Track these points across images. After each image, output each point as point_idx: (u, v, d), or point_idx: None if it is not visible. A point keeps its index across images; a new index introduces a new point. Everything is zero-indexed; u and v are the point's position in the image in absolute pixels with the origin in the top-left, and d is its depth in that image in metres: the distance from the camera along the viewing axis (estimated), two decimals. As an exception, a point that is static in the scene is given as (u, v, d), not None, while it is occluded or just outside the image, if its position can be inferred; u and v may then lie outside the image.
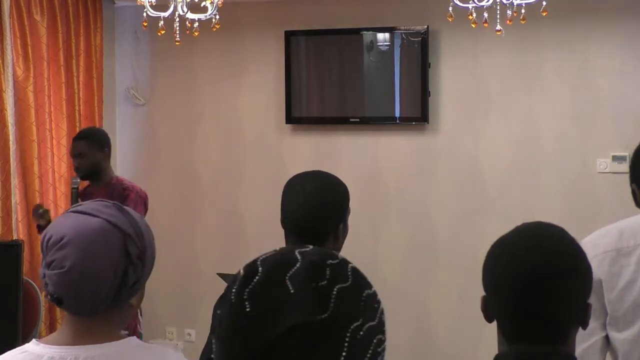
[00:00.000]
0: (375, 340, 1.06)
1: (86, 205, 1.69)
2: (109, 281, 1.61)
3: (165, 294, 5.83)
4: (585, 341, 2.26)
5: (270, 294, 1.05)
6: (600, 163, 5.22)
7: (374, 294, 1.10)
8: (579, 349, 2.26)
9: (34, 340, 1.66)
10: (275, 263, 1.09)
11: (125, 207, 1.70)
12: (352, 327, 1.04)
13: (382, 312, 1.09)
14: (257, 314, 1.05)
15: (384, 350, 1.09)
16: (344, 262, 1.10)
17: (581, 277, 1.54)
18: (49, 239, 1.64)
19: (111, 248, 1.61)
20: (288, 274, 1.06)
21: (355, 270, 1.10)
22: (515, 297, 1.51)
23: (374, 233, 5.64)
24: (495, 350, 1.59)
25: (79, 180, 4.53)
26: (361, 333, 1.04)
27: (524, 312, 1.51)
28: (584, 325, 1.56)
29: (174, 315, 5.99)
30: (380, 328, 1.08)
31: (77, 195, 4.51)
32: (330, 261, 1.08)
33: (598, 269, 2.22)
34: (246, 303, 1.06)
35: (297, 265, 1.06)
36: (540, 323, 1.51)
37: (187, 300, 5.94)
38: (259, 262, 1.10)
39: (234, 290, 1.08)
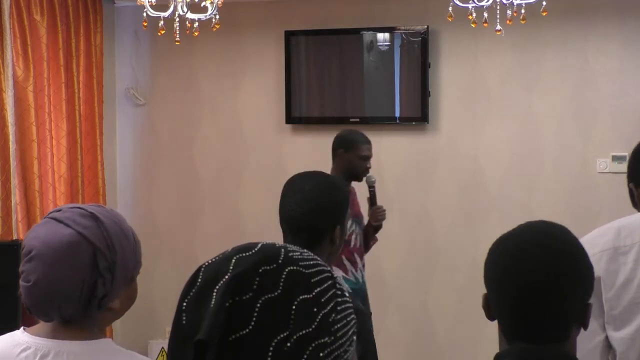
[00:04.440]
0: (311, 348, 1.03)
1: (64, 212, 1.70)
2: (76, 295, 1.62)
3: (165, 294, 5.82)
4: (588, 343, 2.26)
5: (199, 307, 1.04)
6: (600, 163, 5.23)
7: (314, 298, 1.05)
8: (582, 351, 2.26)
9: (22, 328, 1.70)
10: (210, 273, 1.07)
11: (100, 217, 1.67)
12: (276, 339, 1.01)
13: (324, 315, 1.05)
14: (187, 328, 1.04)
15: (333, 352, 1.05)
16: (282, 266, 1.06)
17: (583, 277, 1.53)
18: (23, 247, 1.67)
19: (79, 262, 1.62)
20: (217, 286, 1.04)
21: (292, 275, 1.06)
22: (517, 295, 1.51)
23: (374, 233, 5.63)
24: (494, 350, 1.59)
25: (375, 179, 4.51)
26: (288, 344, 1.01)
27: (526, 311, 1.51)
28: (585, 326, 1.55)
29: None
30: (319, 333, 1.04)
31: (375, 194, 4.51)
32: (265, 267, 1.05)
33: (596, 267, 2.22)
34: (183, 315, 1.06)
35: (226, 276, 1.04)
36: (542, 322, 1.51)
37: (187, 300, 5.93)
38: (202, 270, 1.09)
39: (180, 298, 1.08)
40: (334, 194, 2.36)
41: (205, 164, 5.99)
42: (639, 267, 2.24)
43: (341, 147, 4.42)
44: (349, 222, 4.32)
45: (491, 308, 1.56)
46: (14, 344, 1.67)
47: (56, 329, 1.67)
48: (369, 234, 4.50)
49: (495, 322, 1.59)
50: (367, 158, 4.42)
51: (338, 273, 4.29)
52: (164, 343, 5.99)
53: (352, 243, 4.36)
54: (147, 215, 5.87)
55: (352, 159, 4.39)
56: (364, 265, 4.46)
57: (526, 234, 1.56)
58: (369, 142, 4.44)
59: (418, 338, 5.60)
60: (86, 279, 1.62)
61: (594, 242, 2.29)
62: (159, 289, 5.70)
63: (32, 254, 1.64)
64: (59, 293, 1.62)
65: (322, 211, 2.31)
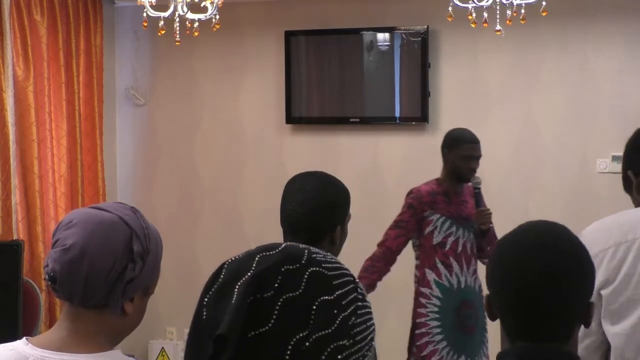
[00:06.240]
0: (329, 349, 1.04)
1: (105, 203, 1.74)
2: (106, 270, 1.61)
3: (165, 294, 5.82)
4: (585, 339, 2.27)
5: (220, 303, 1.05)
6: (600, 163, 5.23)
7: (335, 300, 1.06)
8: (579, 347, 2.26)
9: (24, 338, 1.65)
10: (233, 270, 1.08)
11: (140, 212, 1.73)
12: (295, 338, 1.02)
13: (344, 318, 1.06)
14: (207, 323, 1.05)
15: (351, 355, 1.06)
16: (304, 267, 1.07)
17: (585, 276, 1.54)
18: (61, 222, 1.68)
19: (116, 240, 1.63)
20: (238, 284, 1.05)
21: (315, 276, 1.06)
22: (519, 295, 1.51)
23: (374, 233, 5.63)
24: (494, 350, 1.59)
25: (480, 181, 4.27)
26: (307, 344, 1.02)
27: (528, 311, 1.51)
28: (587, 324, 1.56)
29: (174, 315, 5.99)
30: (338, 335, 1.05)
31: (480, 196, 4.27)
32: (288, 267, 1.06)
33: (599, 265, 2.22)
34: (203, 310, 1.07)
35: (248, 274, 1.05)
36: (544, 322, 1.51)
37: (187, 300, 5.92)
38: (225, 266, 1.10)
39: (201, 294, 1.10)
40: (334, 193, 2.36)
41: (205, 164, 5.99)
42: (639, 263, 2.24)
43: (445, 147, 4.28)
44: (446, 224, 4.21)
45: (493, 308, 1.57)
46: (19, 357, 1.61)
47: (64, 339, 1.63)
48: (479, 237, 4.27)
49: (496, 323, 1.60)
50: (471, 158, 4.21)
51: (430, 276, 4.23)
52: (164, 343, 6.00)
53: (448, 246, 4.19)
54: (147, 215, 5.80)
55: (454, 159, 4.22)
56: (473, 271, 4.25)
57: (527, 235, 1.57)
58: (474, 141, 4.23)
59: (418, 338, 5.59)
60: (120, 258, 1.62)
61: (595, 237, 2.29)
62: (159, 289, 5.66)
63: (72, 223, 1.65)
64: (91, 262, 1.61)
65: (323, 211, 2.31)
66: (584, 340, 2.27)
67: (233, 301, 1.03)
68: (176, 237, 5.93)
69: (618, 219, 2.33)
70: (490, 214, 4.30)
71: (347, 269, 1.12)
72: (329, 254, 1.13)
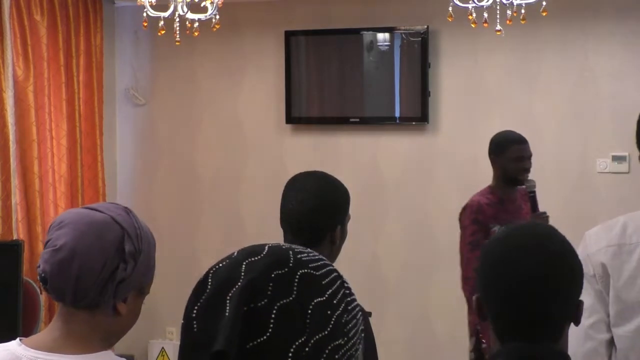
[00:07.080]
0: (328, 350, 1.04)
1: (98, 204, 1.74)
2: (97, 270, 1.61)
3: (165, 294, 5.82)
4: (592, 339, 2.26)
5: (212, 315, 1.04)
6: (600, 163, 5.22)
7: (327, 301, 1.06)
8: (585, 347, 2.25)
9: (18, 339, 1.65)
10: (221, 279, 1.06)
11: (132, 212, 1.71)
12: (295, 344, 1.02)
13: (338, 317, 1.06)
14: (200, 336, 1.04)
15: (347, 352, 1.06)
16: (293, 270, 1.06)
17: (573, 277, 1.55)
18: (53, 222, 1.68)
19: (107, 240, 1.63)
20: (230, 293, 1.04)
21: (305, 278, 1.06)
22: (508, 297, 1.52)
23: (374, 233, 5.64)
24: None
25: (534, 184, 4.19)
26: (307, 349, 1.02)
27: (516, 312, 1.52)
28: (576, 322, 1.57)
29: (174, 315, 5.98)
30: (334, 335, 1.05)
31: (535, 200, 4.16)
32: (277, 272, 1.05)
33: (604, 260, 2.22)
34: (194, 322, 1.05)
35: (239, 283, 1.04)
36: (533, 322, 1.52)
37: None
38: (210, 275, 1.08)
39: (189, 304, 1.07)
40: (334, 193, 2.36)
41: (205, 164, 5.99)
42: None
43: (492, 153, 4.22)
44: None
45: (483, 309, 1.57)
46: (13, 358, 1.61)
47: (57, 340, 1.63)
48: None
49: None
50: (522, 159, 4.14)
51: None
52: (164, 343, 6.00)
53: None
54: (147, 215, 5.84)
55: (504, 162, 4.15)
56: None
57: (515, 237, 1.58)
58: (521, 142, 4.16)
59: (418, 338, 5.60)
60: (111, 258, 1.62)
61: (599, 235, 2.28)
62: (159, 289, 5.68)
63: (63, 223, 1.64)
64: (82, 262, 1.60)
65: (323, 211, 2.31)
66: (599, 334, 2.26)
67: (227, 313, 1.02)
68: (176, 237, 5.93)
69: (624, 220, 2.31)
70: (548, 217, 4.20)
71: (331, 264, 1.11)
72: (310, 250, 1.12)
